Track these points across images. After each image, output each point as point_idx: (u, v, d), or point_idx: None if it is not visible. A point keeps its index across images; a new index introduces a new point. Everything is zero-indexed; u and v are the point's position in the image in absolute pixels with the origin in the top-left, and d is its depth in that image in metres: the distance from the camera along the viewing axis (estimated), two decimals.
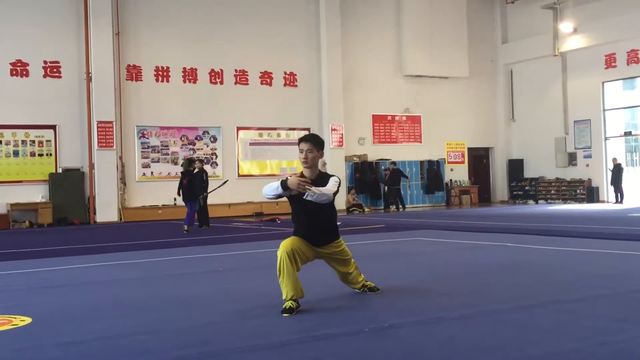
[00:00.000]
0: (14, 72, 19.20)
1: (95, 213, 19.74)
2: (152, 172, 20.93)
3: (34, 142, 19.46)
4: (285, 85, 22.90)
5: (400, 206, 23.08)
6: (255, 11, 22.37)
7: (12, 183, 19.14)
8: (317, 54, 23.29)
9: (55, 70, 19.68)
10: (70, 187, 19.50)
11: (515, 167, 26.81)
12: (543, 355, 3.89)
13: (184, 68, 21.32)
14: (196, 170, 15.60)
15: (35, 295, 6.64)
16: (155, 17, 20.92)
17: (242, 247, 11.19)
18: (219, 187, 16.72)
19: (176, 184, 16.26)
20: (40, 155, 19.50)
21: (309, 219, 5.48)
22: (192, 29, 21.38)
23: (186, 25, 21.31)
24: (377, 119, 24.77)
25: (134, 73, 20.65)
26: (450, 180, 26.01)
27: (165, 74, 21.06)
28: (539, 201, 25.43)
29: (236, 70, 22.10)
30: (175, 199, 18.46)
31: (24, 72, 19.31)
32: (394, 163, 23.52)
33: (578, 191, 24.48)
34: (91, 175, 19.78)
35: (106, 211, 19.78)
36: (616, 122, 24.18)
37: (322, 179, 5.50)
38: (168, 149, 21.16)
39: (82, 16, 19.81)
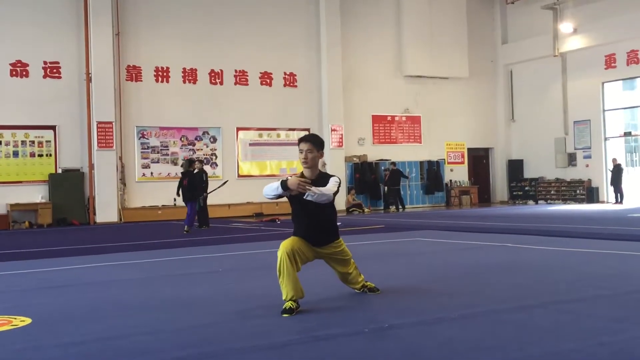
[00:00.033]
0: (14, 73, 19.21)
1: (95, 213, 19.74)
2: (151, 173, 20.93)
3: (33, 142, 19.46)
4: (285, 85, 22.91)
5: (400, 207, 23.07)
6: (255, 11, 22.38)
7: (12, 183, 19.14)
8: (317, 54, 23.29)
9: (55, 70, 19.68)
10: (70, 187, 19.50)
11: (515, 167, 26.82)
12: (543, 356, 3.89)
13: (184, 68, 21.32)
14: (196, 170, 15.59)
15: (35, 296, 6.63)
16: (155, 17, 20.93)
17: (242, 247, 11.19)
18: (218, 187, 16.72)
19: (176, 184, 16.24)
20: (40, 155, 19.50)
21: (309, 219, 5.48)
22: (192, 29, 21.39)
23: (186, 26, 21.31)
24: (377, 119, 24.78)
25: (134, 73, 20.66)
26: (450, 180, 26.02)
27: (165, 74, 21.06)
28: (539, 201, 25.44)
29: (236, 71, 22.11)
30: (175, 200, 18.46)
31: (24, 73, 19.31)
32: (393, 163, 23.52)
33: (578, 191, 24.48)
34: (91, 176, 19.78)
35: (106, 212, 19.78)
36: (616, 122, 24.19)
37: (322, 179, 5.50)
38: (168, 149, 21.16)
39: (82, 16, 19.82)
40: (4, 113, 19.00)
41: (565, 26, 24.31)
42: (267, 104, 22.51)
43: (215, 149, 21.87)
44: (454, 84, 26.12)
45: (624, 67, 23.02)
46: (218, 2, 21.85)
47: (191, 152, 21.09)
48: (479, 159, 27.43)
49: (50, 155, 19.60)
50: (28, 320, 5.22)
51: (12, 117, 19.11)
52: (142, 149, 20.82)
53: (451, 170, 26.13)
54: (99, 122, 19.68)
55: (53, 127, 19.60)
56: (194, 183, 15.32)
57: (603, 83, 23.81)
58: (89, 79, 19.73)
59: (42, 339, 4.67)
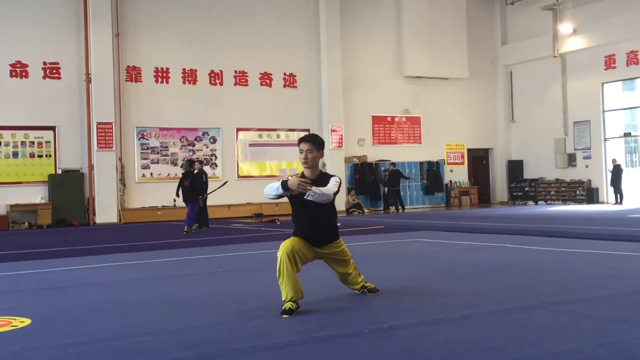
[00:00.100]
0: (14, 73, 19.21)
1: (94, 214, 19.74)
2: (151, 173, 20.93)
3: (33, 143, 19.46)
4: (284, 86, 22.91)
5: (400, 207, 23.07)
6: (254, 12, 22.38)
7: (12, 184, 19.14)
8: (316, 54, 23.30)
9: (54, 71, 19.68)
10: (69, 188, 19.50)
11: (515, 168, 26.82)
12: (543, 356, 3.89)
13: (184, 69, 21.33)
14: (196, 171, 15.58)
15: (35, 297, 6.63)
16: (155, 18, 20.94)
17: (241, 248, 11.19)
18: (218, 188, 16.72)
19: (176, 185, 16.22)
20: (40, 156, 19.50)
21: (309, 219, 5.49)
22: (192, 30, 21.39)
23: (186, 26, 21.32)
24: (376, 119, 24.78)
25: (134, 74, 20.66)
26: (450, 181, 26.02)
27: (164, 75, 21.07)
28: (539, 202, 25.44)
29: (236, 71, 22.11)
30: (174, 200, 18.45)
31: (24, 73, 19.31)
32: (393, 164, 23.51)
33: (578, 192, 24.49)
34: (91, 177, 19.78)
35: (106, 212, 19.78)
36: (616, 123, 24.19)
37: (322, 179, 5.50)
38: (167, 150, 21.17)
39: (82, 17, 19.82)
40: (4, 114, 19.00)
41: (565, 27, 24.32)
42: (267, 104, 22.52)
43: (215, 150, 21.87)
44: (453, 85, 26.13)
45: (624, 68, 23.03)
46: (218, 3, 21.86)
47: (191, 153, 21.09)
48: (478, 160, 27.43)
49: (50, 155, 19.60)
50: (28, 321, 5.21)
51: (12, 117, 19.12)
52: (142, 149, 20.82)
53: (451, 170, 26.14)
54: (98, 123, 19.68)
55: (53, 128, 19.60)
56: (194, 184, 15.31)
57: (603, 84, 23.82)
58: (88, 80, 19.73)
59: (41, 339, 4.67)
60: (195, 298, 6.16)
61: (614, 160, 22.61)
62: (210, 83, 21.74)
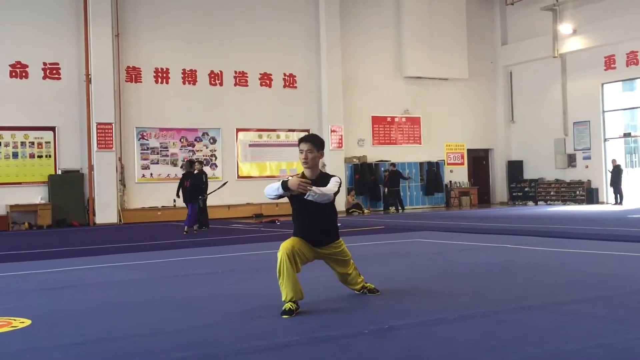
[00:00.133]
0: (14, 74, 19.21)
1: (94, 214, 19.74)
2: (151, 174, 20.93)
3: (33, 143, 19.46)
4: (284, 86, 22.92)
5: (400, 208, 23.07)
6: (254, 12, 22.39)
7: (12, 184, 19.14)
8: (316, 55, 23.30)
9: (54, 71, 19.68)
10: (69, 188, 19.50)
11: (515, 168, 26.82)
12: (543, 356, 3.89)
13: (184, 69, 21.33)
14: (196, 171, 15.58)
15: (35, 297, 6.63)
16: (155, 18, 20.94)
17: (241, 248, 11.20)
18: (218, 188, 16.71)
19: (176, 185, 16.22)
20: (40, 156, 19.50)
21: (309, 219, 5.49)
22: (192, 30, 21.40)
23: (186, 27, 21.32)
24: (376, 120, 24.78)
25: (134, 74, 20.66)
26: (450, 181, 26.03)
27: (164, 75, 21.07)
28: (539, 202, 25.44)
29: (236, 72, 22.12)
30: (174, 201, 18.46)
31: (24, 74, 19.32)
32: (393, 164, 23.52)
33: (577, 192, 24.49)
34: (90, 177, 19.78)
35: (105, 213, 19.78)
36: (615, 123, 24.20)
37: (322, 179, 5.51)
38: (167, 150, 21.17)
39: (82, 18, 19.83)
40: (4, 114, 19.00)
41: (565, 27, 24.33)
42: (267, 105, 22.52)
43: (215, 150, 21.87)
44: (453, 85, 26.14)
45: (624, 68, 23.03)
46: (218, 3, 21.86)
47: (191, 153, 21.10)
48: (478, 160, 27.44)
49: (50, 156, 19.60)
50: (28, 322, 5.21)
51: (12, 118, 19.12)
52: (142, 150, 20.83)
53: (451, 171, 26.14)
54: (98, 123, 19.68)
55: (53, 128, 19.60)
56: (194, 184, 15.31)
57: (602, 84, 23.82)
58: (88, 80, 19.74)
59: (41, 340, 4.67)
60: (196, 298, 6.16)
61: (613, 161, 22.62)
62: (210, 83, 21.74)
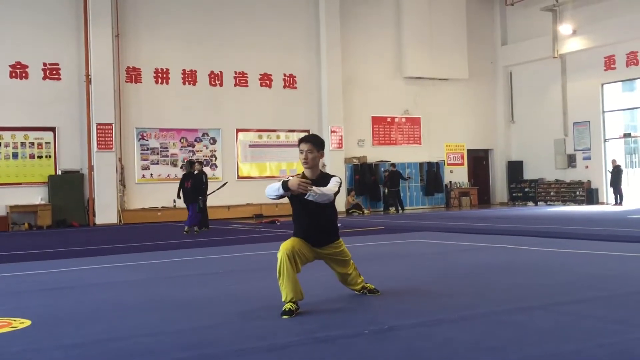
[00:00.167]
0: (14, 74, 19.22)
1: (94, 215, 19.74)
2: (151, 174, 20.93)
3: (33, 144, 19.47)
4: (284, 87, 22.92)
5: (399, 208, 23.07)
6: (254, 13, 22.39)
7: (12, 185, 19.14)
8: (316, 55, 23.31)
9: (54, 72, 19.69)
10: (69, 189, 19.50)
11: (515, 168, 26.82)
12: (542, 357, 3.89)
13: (184, 70, 21.33)
14: (196, 172, 15.57)
15: (35, 298, 6.63)
16: (155, 19, 20.95)
17: (241, 249, 11.20)
18: (218, 189, 16.71)
19: (176, 185, 16.22)
20: (40, 157, 19.51)
21: (310, 219, 5.49)
22: (192, 31, 21.40)
23: (186, 27, 21.33)
24: (376, 120, 24.79)
25: (134, 75, 20.67)
26: (450, 182, 26.03)
27: (164, 76, 21.07)
28: (539, 203, 25.44)
29: (236, 72, 22.12)
30: (174, 201, 18.45)
31: (24, 74, 19.32)
32: (393, 165, 23.53)
33: (577, 193, 24.49)
34: (90, 177, 19.78)
35: (105, 213, 19.78)
36: (615, 123, 24.21)
37: (322, 179, 5.51)
38: (167, 151, 21.17)
39: (82, 18, 19.83)
40: (4, 114, 19.01)
41: (565, 28, 24.33)
42: (267, 105, 22.52)
43: (215, 151, 21.88)
44: (453, 85, 26.14)
45: (624, 69, 23.04)
46: (218, 4, 21.86)
47: (191, 154, 21.10)
48: (478, 160, 27.44)
49: (50, 156, 19.60)
50: (28, 322, 5.21)
51: (12, 118, 19.12)
52: (142, 150, 20.83)
53: (451, 171, 26.14)
54: (98, 124, 19.68)
55: (53, 129, 19.60)
56: (195, 184, 15.31)
57: (602, 84, 23.83)
58: (88, 81, 19.74)
59: (42, 340, 4.67)
60: (195, 299, 6.16)
61: (613, 161, 22.62)
62: (210, 84, 21.75)
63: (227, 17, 21.96)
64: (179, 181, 15.93)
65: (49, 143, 19.60)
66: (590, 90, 24.04)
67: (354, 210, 22.42)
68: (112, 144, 19.87)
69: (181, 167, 19.89)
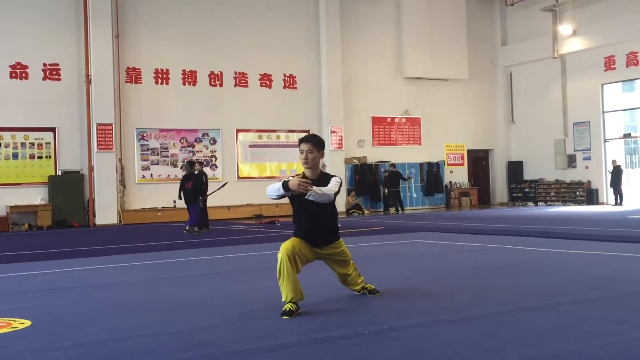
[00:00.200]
0: (14, 75, 19.22)
1: (94, 215, 19.74)
2: (151, 175, 20.93)
3: (33, 144, 19.46)
4: (284, 87, 22.92)
5: (399, 208, 23.06)
6: (254, 13, 22.39)
7: (12, 185, 19.14)
8: (316, 55, 23.31)
9: (54, 72, 19.69)
10: (69, 189, 19.50)
11: (515, 169, 26.82)
12: (542, 357, 3.89)
13: (184, 70, 21.33)
14: (196, 172, 15.58)
15: (35, 298, 6.63)
16: (155, 19, 20.95)
17: (241, 249, 11.20)
18: (218, 189, 16.71)
19: (176, 186, 16.22)
20: (40, 157, 19.50)
21: (310, 219, 5.49)
22: (192, 31, 21.40)
23: (186, 28, 21.33)
24: (376, 121, 24.78)
25: (134, 75, 20.67)
26: (450, 182, 26.03)
27: (164, 76, 21.07)
28: (539, 203, 25.44)
29: (236, 73, 22.12)
30: (174, 202, 18.44)
31: (24, 75, 19.32)
32: (393, 165, 23.53)
33: (577, 193, 24.49)
34: (90, 178, 19.78)
35: (106, 213, 19.78)
36: (615, 124, 24.21)
37: (323, 179, 5.51)
38: (167, 151, 21.17)
39: (82, 18, 19.83)
40: (4, 115, 19.01)
41: (565, 28, 24.33)
42: (267, 105, 22.52)
43: (215, 151, 21.87)
44: (453, 86, 26.14)
45: (624, 69, 23.04)
46: (218, 4, 21.86)
47: (191, 154, 21.10)
48: (478, 161, 27.44)
49: (50, 157, 19.60)
50: (28, 323, 5.21)
51: (12, 118, 19.12)
52: (142, 150, 20.83)
53: (451, 171, 26.14)
54: (98, 124, 19.68)
55: (53, 129, 19.60)
56: (195, 185, 15.31)
57: (602, 85, 23.83)
58: (88, 81, 19.74)
59: (41, 341, 4.67)
60: (196, 299, 6.15)
61: (613, 161, 22.62)
62: (210, 84, 21.75)
63: (227, 17, 21.96)
64: (180, 182, 15.94)
65: (49, 143, 19.60)
66: (590, 90, 24.04)
67: (354, 210, 22.42)
68: (112, 145, 19.87)
69: (181, 168, 19.90)
